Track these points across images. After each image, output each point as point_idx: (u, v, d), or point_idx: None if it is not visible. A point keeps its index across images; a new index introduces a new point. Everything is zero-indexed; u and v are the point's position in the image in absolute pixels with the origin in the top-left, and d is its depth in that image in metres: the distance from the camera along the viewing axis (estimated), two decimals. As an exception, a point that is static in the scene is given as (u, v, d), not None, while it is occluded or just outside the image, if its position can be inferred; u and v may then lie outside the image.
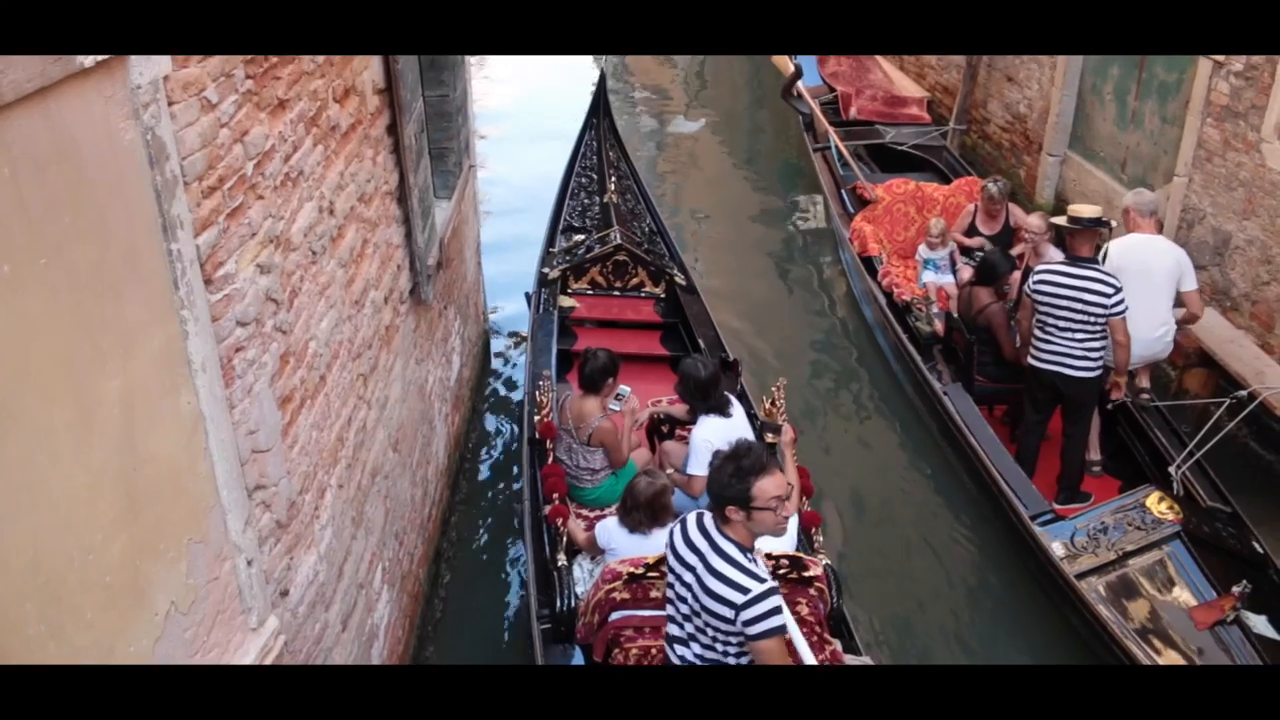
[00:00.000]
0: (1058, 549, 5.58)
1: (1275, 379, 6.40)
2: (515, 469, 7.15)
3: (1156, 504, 5.60)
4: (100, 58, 2.32)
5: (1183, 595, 5.31)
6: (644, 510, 4.67)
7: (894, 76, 12.24)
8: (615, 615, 4.51)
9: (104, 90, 2.39)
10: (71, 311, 2.33)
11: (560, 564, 4.82)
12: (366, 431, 4.51)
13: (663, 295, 7.71)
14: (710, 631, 3.55)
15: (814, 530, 5.08)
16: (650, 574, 4.43)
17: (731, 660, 3.61)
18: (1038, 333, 6.03)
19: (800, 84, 10.76)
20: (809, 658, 3.80)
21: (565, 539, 4.97)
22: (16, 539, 2.17)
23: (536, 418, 5.75)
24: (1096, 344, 5.88)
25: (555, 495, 5.28)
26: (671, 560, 3.66)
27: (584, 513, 5.50)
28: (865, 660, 4.43)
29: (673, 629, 3.73)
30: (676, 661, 3.74)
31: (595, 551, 4.95)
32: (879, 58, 12.59)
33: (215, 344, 2.94)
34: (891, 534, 6.74)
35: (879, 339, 8.45)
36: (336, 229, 4.05)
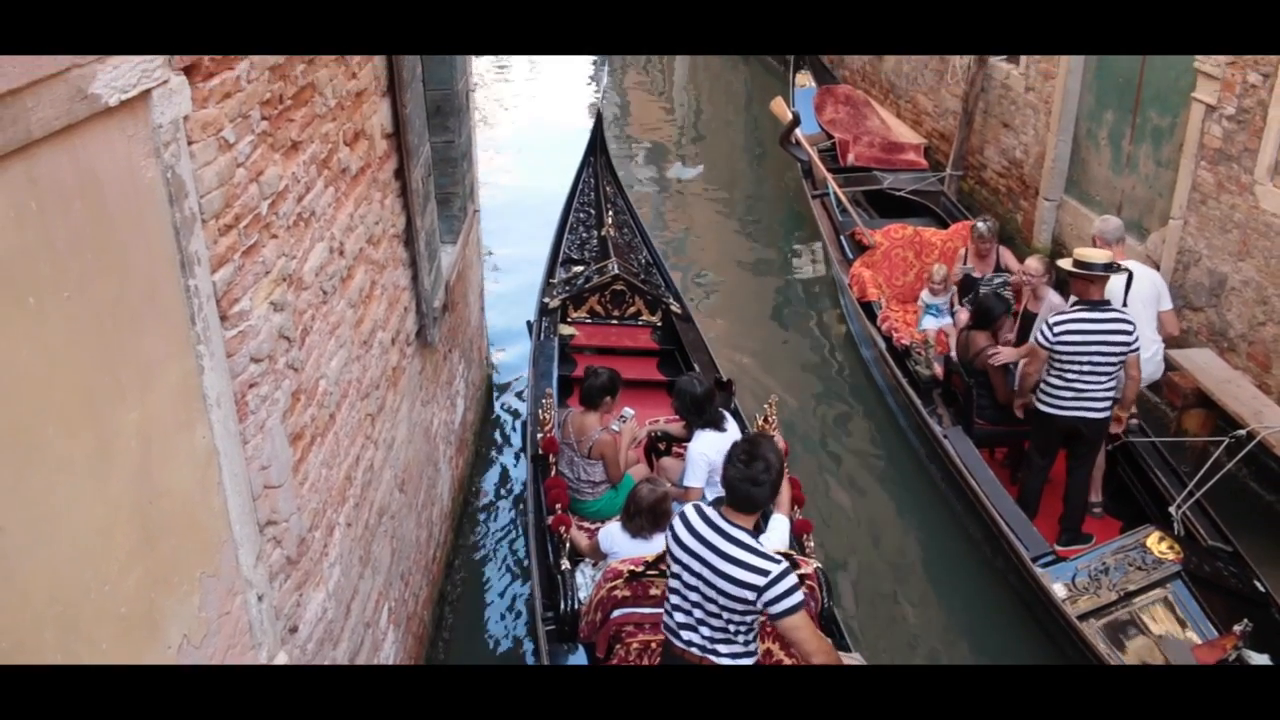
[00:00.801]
0: (1059, 590, 5.59)
1: (1273, 418, 6.45)
2: (518, 513, 7.22)
3: (1157, 544, 5.63)
4: (124, 96, 2.38)
5: (1185, 635, 5.31)
6: (646, 516, 4.92)
7: (891, 123, 12.38)
8: (617, 612, 4.72)
9: (127, 129, 2.45)
10: (93, 344, 2.36)
11: (564, 568, 5.10)
12: (374, 471, 4.54)
13: (659, 323, 8.03)
14: (725, 615, 3.74)
15: (805, 537, 5.28)
16: (650, 572, 4.61)
17: (740, 640, 3.82)
18: (1055, 380, 5.98)
19: (798, 131, 10.88)
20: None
21: (568, 545, 5.25)
22: (37, 568, 2.20)
23: (540, 435, 6.05)
24: (1114, 383, 5.94)
25: (558, 505, 5.55)
26: (677, 551, 3.82)
27: (585, 525, 5.75)
28: (856, 657, 4.67)
29: (678, 617, 3.90)
30: (681, 647, 3.90)
31: (598, 556, 5.17)
32: (875, 104, 12.74)
33: (230, 379, 2.98)
34: (892, 576, 6.75)
35: (879, 382, 8.49)
36: (346, 270, 4.10)
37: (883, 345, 8.02)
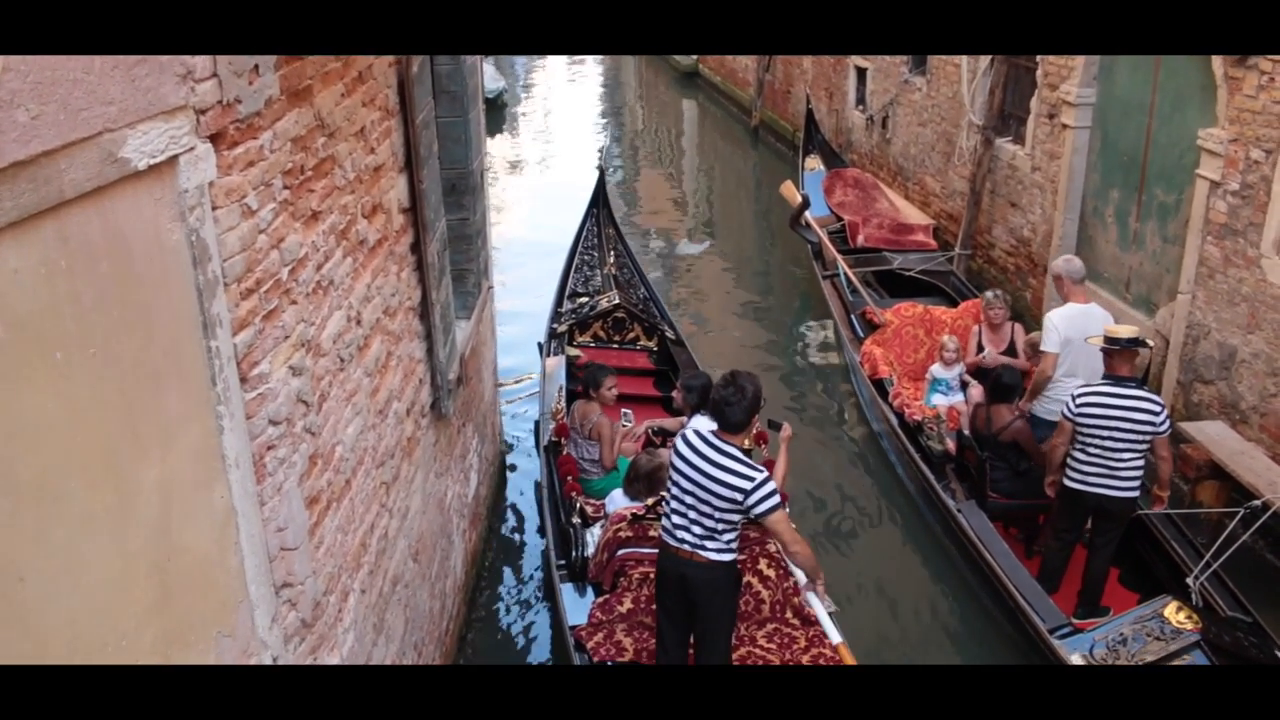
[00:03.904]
0: (1077, 661, 5.54)
1: (1288, 489, 6.43)
2: (533, 588, 7.25)
3: (1175, 614, 5.57)
4: (153, 161, 2.46)
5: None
6: (644, 481, 5.83)
7: (899, 205, 12.52)
8: (621, 551, 5.61)
9: (154, 193, 2.53)
10: (116, 401, 2.42)
11: (575, 523, 6.10)
12: (388, 539, 4.57)
13: (655, 348, 9.10)
14: (715, 515, 4.65)
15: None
16: (648, 516, 5.54)
17: (724, 539, 4.72)
18: (1079, 454, 5.99)
19: (808, 213, 11.03)
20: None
21: (578, 507, 6.26)
22: (56, 620, 2.23)
23: (553, 424, 7.19)
24: (1140, 463, 5.92)
25: (569, 477, 6.66)
26: (680, 464, 4.72)
27: (591, 500, 6.54)
28: (828, 601, 5.51)
29: (675, 519, 4.79)
30: (675, 545, 4.80)
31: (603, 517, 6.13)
32: (883, 186, 12.90)
33: (249, 441, 3.02)
34: (907, 647, 6.69)
35: (893, 459, 8.50)
36: (363, 339, 4.17)
37: (895, 422, 8.05)
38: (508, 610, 7.07)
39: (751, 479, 4.53)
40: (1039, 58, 9.99)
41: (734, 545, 4.81)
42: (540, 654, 6.63)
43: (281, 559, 3.26)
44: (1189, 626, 5.44)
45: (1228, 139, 7.35)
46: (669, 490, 4.83)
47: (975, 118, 11.27)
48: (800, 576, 5.11)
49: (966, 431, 7.32)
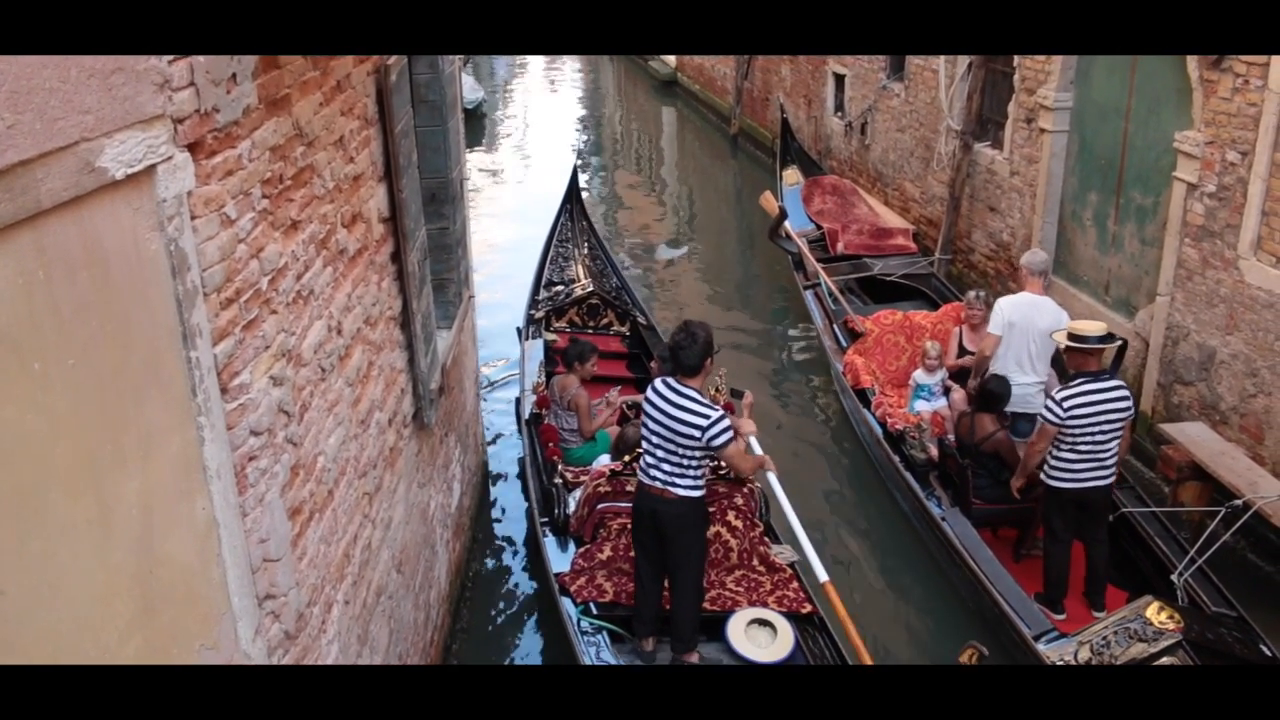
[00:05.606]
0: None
1: (1268, 488, 6.46)
2: (518, 596, 7.26)
3: (1157, 614, 5.56)
4: (130, 170, 2.45)
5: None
6: (632, 452, 6.13)
7: (879, 210, 12.53)
8: (601, 505, 6.21)
9: (132, 202, 2.52)
10: (96, 411, 2.40)
11: (557, 483, 6.62)
12: (372, 550, 4.54)
13: (627, 333, 9.64)
14: (680, 452, 5.15)
15: None
16: (625, 472, 6.17)
17: (692, 475, 5.21)
18: (1067, 454, 6.03)
19: (787, 224, 11.01)
20: (757, 449, 5.57)
21: (559, 469, 6.82)
22: (37, 634, 2.20)
23: (534, 396, 7.73)
24: (1116, 448, 6.03)
25: (550, 444, 7.24)
26: (650, 410, 5.20)
27: (571, 469, 6.96)
28: (786, 549, 6.25)
29: (647, 459, 5.30)
30: (648, 483, 5.30)
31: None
32: (862, 193, 12.92)
33: (230, 451, 3.01)
34: (894, 652, 6.70)
35: (877, 467, 8.50)
36: (344, 348, 4.16)
37: (878, 430, 8.04)
38: (492, 620, 7.05)
39: (707, 416, 5.01)
40: (1016, 62, 10.05)
41: (701, 483, 5.28)
42: (525, 662, 6.62)
43: (264, 570, 3.24)
44: (1170, 626, 5.44)
45: (1204, 141, 7.40)
46: (643, 429, 5.31)
47: (954, 123, 11.32)
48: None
49: (950, 438, 7.33)
